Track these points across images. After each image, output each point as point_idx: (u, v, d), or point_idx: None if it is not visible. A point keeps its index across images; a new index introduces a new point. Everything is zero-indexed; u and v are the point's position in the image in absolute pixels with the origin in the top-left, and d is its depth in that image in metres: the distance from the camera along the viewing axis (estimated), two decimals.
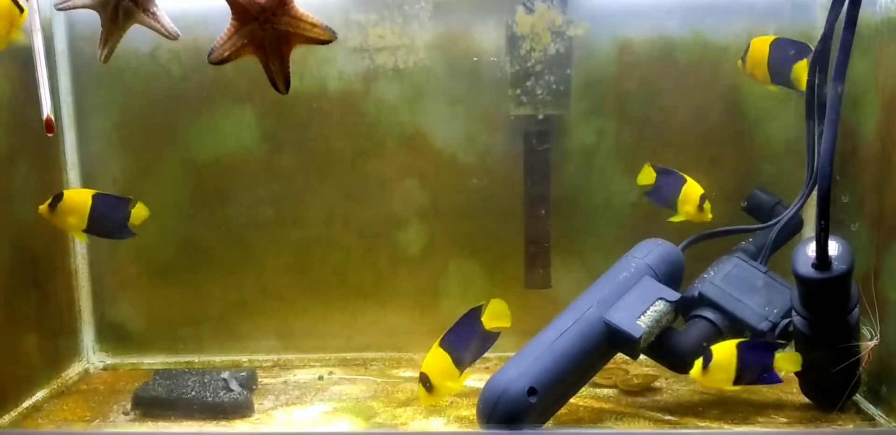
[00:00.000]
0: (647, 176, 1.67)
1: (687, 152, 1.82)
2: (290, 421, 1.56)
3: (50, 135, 1.31)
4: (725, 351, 1.44)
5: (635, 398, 1.65)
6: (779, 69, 1.64)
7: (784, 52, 1.64)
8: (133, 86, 1.82)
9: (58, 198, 1.55)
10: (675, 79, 1.80)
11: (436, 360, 1.45)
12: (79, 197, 1.58)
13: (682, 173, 1.65)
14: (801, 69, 1.60)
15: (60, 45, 1.80)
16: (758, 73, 1.67)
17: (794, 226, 1.69)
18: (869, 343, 1.44)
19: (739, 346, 1.44)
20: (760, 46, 1.66)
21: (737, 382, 1.44)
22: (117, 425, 1.56)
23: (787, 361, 1.46)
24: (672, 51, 1.79)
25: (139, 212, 1.62)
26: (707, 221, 1.62)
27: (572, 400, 1.50)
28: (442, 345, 1.47)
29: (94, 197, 1.58)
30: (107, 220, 1.59)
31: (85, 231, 1.58)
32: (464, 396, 1.66)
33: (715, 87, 1.79)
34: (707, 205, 1.60)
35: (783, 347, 1.48)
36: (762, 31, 1.77)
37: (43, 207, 1.55)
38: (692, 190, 1.62)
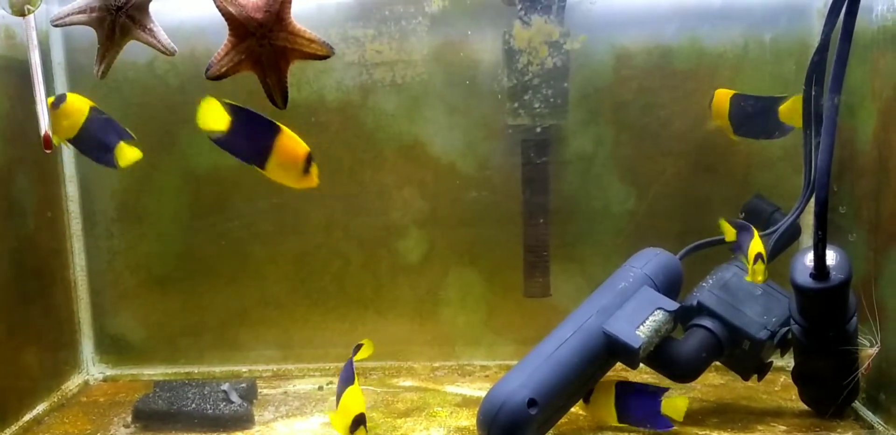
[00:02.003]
0: (729, 233, 1.60)
1: (684, 159, 1.83)
2: (291, 432, 1.56)
3: (48, 151, 1.30)
4: (605, 388, 1.50)
5: None
6: (740, 122, 1.67)
7: (744, 106, 1.66)
8: (131, 97, 1.82)
9: (61, 99, 1.49)
10: (672, 86, 1.80)
11: (361, 398, 1.44)
12: (79, 103, 1.50)
13: (752, 227, 1.55)
14: (787, 111, 1.64)
15: (58, 57, 1.80)
16: (721, 124, 1.69)
17: (792, 234, 1.69)
18: (869, 350, 1.44)
19: (618, 385, 1.50)
20: (722, 98, 1.68)
21: (620, 419, 1.50)
22: None
23: (672, 409, 1.50)
24: (669, 58, 1.79)
25: (127, 152, 1.54)
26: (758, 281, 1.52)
27: (573, 409, 1.51)
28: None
29: (91, 109, 1.51)
30: (94, 136, 1.52)
31: (70, 141, 1.50)
32: (464, 406, 1.67)
33: (711, 94, 1.79)
34: (759, 266, 1.48)
35: (666, 391, 1.51)
36: (759, 38, 1.78)
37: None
38: (753, 249, 1.51)
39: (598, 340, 1.45)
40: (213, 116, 1.27)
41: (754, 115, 1.67)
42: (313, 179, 1.33)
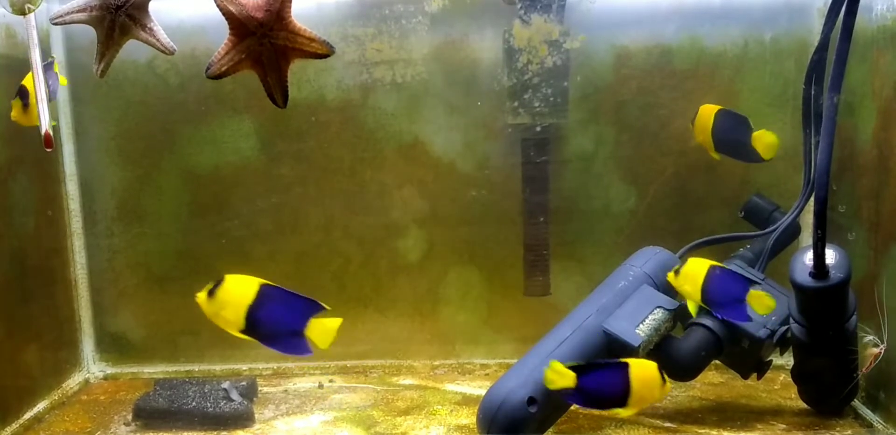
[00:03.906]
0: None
1: (684, 158, 1.83)
2: (291, 431, 1.56)
3: (49, 150, 1.31)
4: None
5: None
6: (723, 139, 1.66)
7: (728, 123, 1.65)
8: (131, 96, 1.83)
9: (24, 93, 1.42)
10: (672, 86, 1.80)
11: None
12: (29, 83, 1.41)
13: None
14: (759, 138, 1.64)
15: (58, 56, 1.80)
16: (703, 140, 1.69)
17: (792, 233, 1.69)
18: (874, 350, 1.45)
19: None
20: (706, 114, 1.67)
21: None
22: None
23: None
24: (669, 58, 1.79)
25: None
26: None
27: (572, 407, 1.51)
28: None
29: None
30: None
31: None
32: (464, 404, 1.67)
33: (711, 93, 1.80)
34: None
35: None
36: (759, 37, 1.78)
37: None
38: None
39: (598, 339, 1.45)
40: (561, 377, 1.30)
41: (735, 134, 1.66)
42: (668, 388, 1.33)
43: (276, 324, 1.36)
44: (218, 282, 1.32)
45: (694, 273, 1.45)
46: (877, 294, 1.49)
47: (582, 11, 1.75)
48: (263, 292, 1.34)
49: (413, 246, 1.88)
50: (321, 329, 1.37)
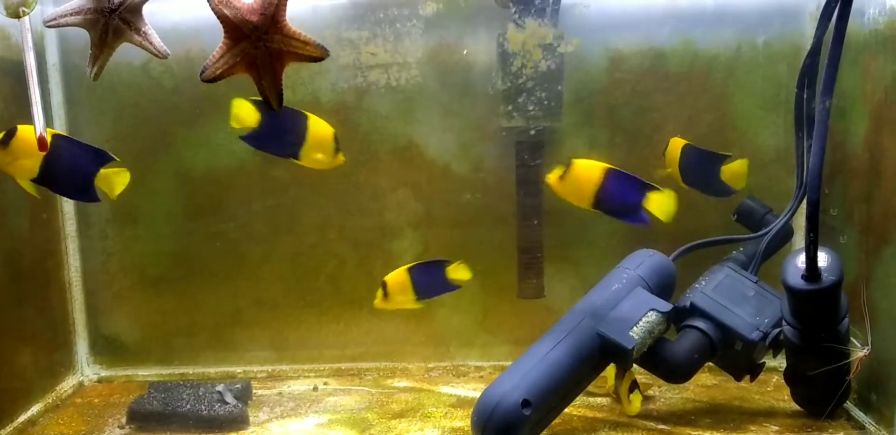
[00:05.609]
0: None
1: None
2: (286, 433, 1.56)
3: (43, 153, 1.31)
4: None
5: None
6: (687, 175, 1.68)
7: (692, 159, 1.67)
8: (125, 99, 1.82)
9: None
10: (666, 89, 1.81)
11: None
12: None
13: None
14: (729, 172, 1.68)
15: (52, 58, 1.80)
16: (671, 171, 1.70)
17: (784, 235, 1.70)
18: (859, 353, 1.45)
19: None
20: (675, 147, 1.68)
21: None
22: None
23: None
24: (662, 61, 1.80)
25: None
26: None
27: (566, 409, 1.51)
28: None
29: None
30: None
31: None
32: (458, 407, 1.67)
33: (705, 96, 1.81)
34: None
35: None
36: (752, 40, 1.79)
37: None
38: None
39: (592, 341, 1.46)
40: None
41: (700, 170, 1.68)
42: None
43: (69, 172, 1.40)
44: (10, 131, 1.36)
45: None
46: (862, 297, 1.50)
47: (576, 15, 1.75)
48: (56, 142, 1.38)
49: (408, 248, 1.89)
50: (111, 178, 1.42)
